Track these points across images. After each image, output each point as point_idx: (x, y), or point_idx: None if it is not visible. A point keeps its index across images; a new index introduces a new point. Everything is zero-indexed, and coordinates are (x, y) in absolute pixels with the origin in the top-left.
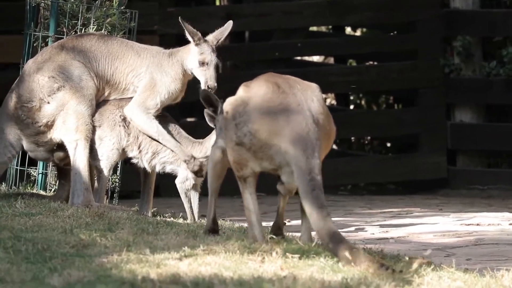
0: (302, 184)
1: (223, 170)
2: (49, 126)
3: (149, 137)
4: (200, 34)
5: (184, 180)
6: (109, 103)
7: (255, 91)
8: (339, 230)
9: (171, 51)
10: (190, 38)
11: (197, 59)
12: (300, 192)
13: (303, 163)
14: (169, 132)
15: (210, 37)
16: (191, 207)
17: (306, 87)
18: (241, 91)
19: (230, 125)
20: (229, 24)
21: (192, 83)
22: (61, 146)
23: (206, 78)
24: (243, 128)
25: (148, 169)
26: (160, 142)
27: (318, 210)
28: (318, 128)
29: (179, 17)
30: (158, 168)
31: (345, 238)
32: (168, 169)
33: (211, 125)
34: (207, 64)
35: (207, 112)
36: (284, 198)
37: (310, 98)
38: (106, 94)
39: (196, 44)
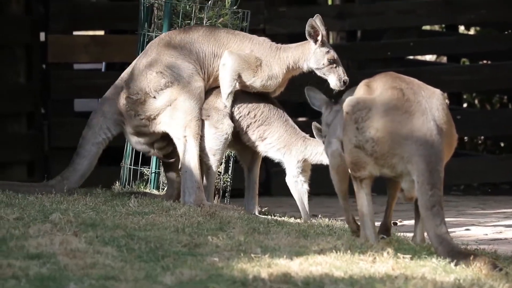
0: (423, 199)
1: (346, 171)
2: (152, 119)
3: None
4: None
5: (295, 176)
6: (213, 93)
7: (378, 96)
8: (451, 230)
9: (280, 46)
10: (311, 38)
11: (325, 58)
12: (420, 205)
13: (426, 177)
14: (273, 116)
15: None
16: (303, 202)
17: (431, 94)
18: (362, 91)
19: (350, 126)
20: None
21: (301, 83)
22: (163, 138)
23: (339, 74)
24: (365, 134)
25: (250, 146)
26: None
27: (437, 227)
28: (441, 139)
29: (317, 15)
30: (261, 150)
31: (463, 249)
32: (271, 153)
33: (318, 138)
34: (336, 60)
35: (315, 125)
36: (393, 199)
37: (435, 106)
38: (211, 81)
39: (322, 44)
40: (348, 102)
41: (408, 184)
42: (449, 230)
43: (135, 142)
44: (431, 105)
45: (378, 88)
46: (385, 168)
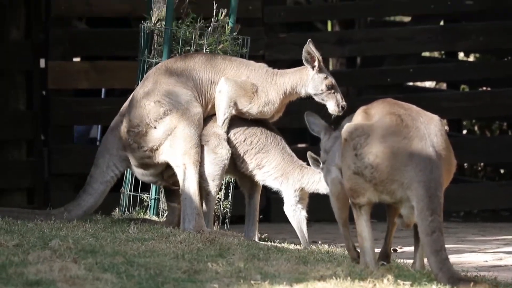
0: (422, 225)
1: (346, 198)
2: (155, 150)
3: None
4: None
5: (293, 204)
6: (211, 119)
7: (376, 122)
8: (451, 257)
9: (277, 71)
10: (308, 64)
11: (324, 83)
12: (420, 231)
13: (425, 203)
14: (270, 144)
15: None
16: (302, 230)
17: (429, 120)
18: (360, 118)
19: (348, 153)
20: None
21: (301, 109)
22: (169, 166)
23: (338, 100)
24: (364, 160)
25: (248, 174)
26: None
27: (437, 253)
28: (440, 164)
29: (308, 40)
30: (258, 179)
31: (463, 276)
32: (268, 182)
33: (314, 168)
34: (334, 86)
35: (310, 155)
36: (393, 226)
37: (434, 132)
38: (209, 108)
39: (319, 70)
40: (346, 128)
41: (407, 210)
42: (449, 256)
43: (141, 174)
44: (429, 131)
45: (376, 114)
46: (384, 194)
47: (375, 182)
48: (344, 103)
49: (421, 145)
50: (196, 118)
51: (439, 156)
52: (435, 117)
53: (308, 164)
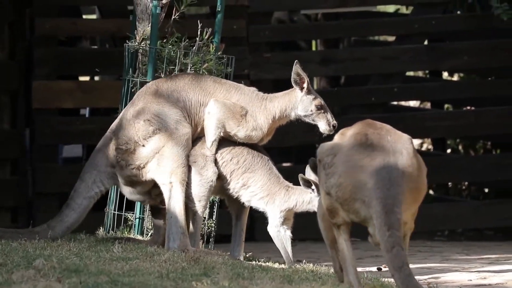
0: (382, 241)
1: None
2: (142, 168)
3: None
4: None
5: (277, 225)
6: (200, 140)
7: (344, 142)
8: (436, 276)
9: (265, 96)
10: (296, 85)
11: (313, 104)
12: (381, 248)
13: (382, 219)
14: (257, 163)
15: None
16: (287, 251)
17: (397, 139)
18: (336, 139)
19: (322, 173)
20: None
21: (288, 129)
22: (157, 184)
23: (328, 119)
24: (330, 180)
25: (234, 195)
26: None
27: (400, 269)
28: (403, 182)
29: (295, 61)
30: (244, 200)
31: None
32: (254, 203)
33: (305, 188)
34: (323, 106)
35: (301, 177)
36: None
37: (399, 151)
38: (198, 130)
39: (308, 91)
40: (319, 149)
41: (373, 228)
42: (433, 276)
43: (129, 192)
44: (395, 149)
45: (348, 135)
46: (351, 213)
47: (340, 202)
48: (334, 122)
49: (383, 164)
50: (185, 138)
51: (401, 174)
52: (405, 136)
53: (296, 184)
